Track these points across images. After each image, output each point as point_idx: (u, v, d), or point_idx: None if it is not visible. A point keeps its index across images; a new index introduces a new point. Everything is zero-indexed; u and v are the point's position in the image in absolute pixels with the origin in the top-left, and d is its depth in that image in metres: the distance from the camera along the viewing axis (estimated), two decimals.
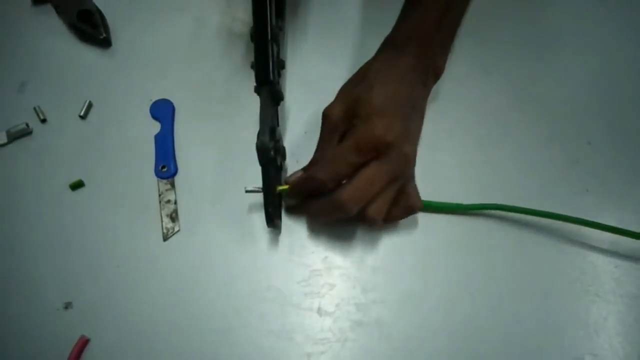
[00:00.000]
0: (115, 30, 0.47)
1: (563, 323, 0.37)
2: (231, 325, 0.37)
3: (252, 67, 0.38)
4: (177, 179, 0.41)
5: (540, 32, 0.48)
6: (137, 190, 0.41)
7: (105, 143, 0.43)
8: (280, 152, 0.39)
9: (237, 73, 0.45)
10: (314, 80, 0.44)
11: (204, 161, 0.42)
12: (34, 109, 0.43)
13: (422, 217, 0.40)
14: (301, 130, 0.43)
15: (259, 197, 0.38)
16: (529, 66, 0.46)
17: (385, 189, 0.35)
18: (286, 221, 0.40)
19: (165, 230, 0.39)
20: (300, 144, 0.42)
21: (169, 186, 0.41)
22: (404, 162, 0.35)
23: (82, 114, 0.43)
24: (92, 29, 0.46)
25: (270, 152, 0.34)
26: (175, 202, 0.40)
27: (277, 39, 0.39)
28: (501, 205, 0.39)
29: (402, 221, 0.38)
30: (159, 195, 0.41)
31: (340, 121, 0.36)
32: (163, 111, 0.44)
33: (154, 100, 0.44)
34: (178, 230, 0.40)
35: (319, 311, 0.37)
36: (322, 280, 0.38)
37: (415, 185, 0.37)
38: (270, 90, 0.37)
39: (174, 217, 0.40)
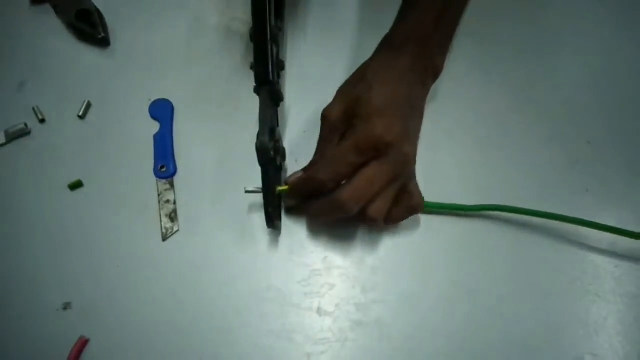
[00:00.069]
0: (114, 29, 0.47)
1: (563, 323, 0.37)
2: (231, 325, 0.37)
3: (251, 67, 0.38)
4: (176, 179, 0.41)
5: (540, 32, 0.48)
6: (136, 190, 0.41)
7: (104, 143, 0.43)
8: (280, 152, 0.39)
9: (237, 73, 0.45)
10: (314, 80, 0.44)
11: (204, 161, 0.42)
12: (33, 109, 0.43)
13: (422, 217, 0.40)
14: (300, 130, 0.43)
15: (259, 198, 0.37)
16: (529, 66, 0.46)
17: (385, 189, 0.35)
18: (286, 221, 0.40)
19: (164, 231, 0.39)
20: (299, 144, 0.42)
21: (168, 186, 0.41)
22: (404, 162, 0.35)
23: (81, 113, 0.43)
24: (90, 29, 0.45)
25: (269, 153, 0.34)
26: (175, 202, 0.40)
27: (277, 39, 0.39)
28: (501, 206, 0.39)
29: (403, 221, 0.38)
30: (158, 195, 0.41)
31: (340, 121, 0.36)
32: (162, 111, 0.44)
33: (153, 100, 0.44)
34: (177, 231, 0.40)
35: (319, 311, 0.37)
36: (322, 280, 0.38)
37: (417, 184, 0.37)
38: (269, 90, 0.37)
39: (173, 217, 0.40)
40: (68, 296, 0.37)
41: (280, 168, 0.39)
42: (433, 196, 0.39)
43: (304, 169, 0.38)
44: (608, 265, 0.39)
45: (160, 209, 0.40)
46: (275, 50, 0.39)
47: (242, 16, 0.48)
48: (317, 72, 0.45)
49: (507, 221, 0.40)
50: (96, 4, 0.46)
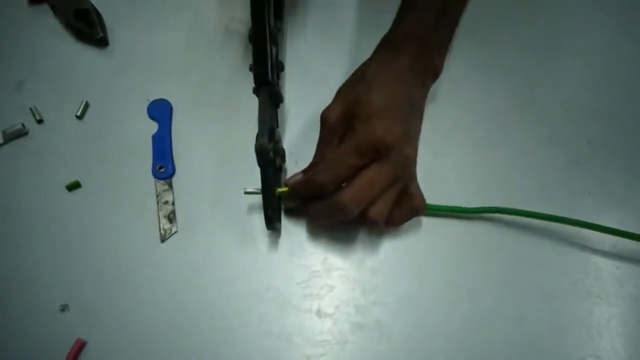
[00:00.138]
0: (112, 29, 0.46)
1: (565, 325, 0.37)
2: (230, 326, 0.37)
3: (250, 69, 0.38)
4: (175, 180, 0.41)
5: (540, 32, 0.48)
6: (134, 191, 0.41)
7: (102, 143, 0.42)
8: (280, 153, 0.39)
9: (237, 73, 0.45)
10: (313, 81, 0.44)
11: (203, 162, 0.42)
12: (30, 109, 0.43)
13: (422, 219, 0.40)
14: (300, 131, 0.43)
15: (259, 199, 0.37)
16: (528, 67, 0.46)
17: (386, 191, 0.34)
18: (286, 222, 0.40)
19: (162, 232, 0.39)
20: (299, 145, 0.42)
21: (166, 187, 0.41)
22: (404, 164, 0.35)
23: (79, 114, 0.43)
24: (89, 29, 0.45)
25: (269, 154, 0.34)
26: (173, 203, 0.40)
27: (276, 39, 0.39)
28: (503, 208, 0.39)
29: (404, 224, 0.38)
30: (157, 196, 0.40)
31: (339, 123, 0.36)
32: (161, 111, 0.43)
33: (151, 100, 0.44)
34: (176, 232, 0.39)
35: (319, 313, 0.37)
36: (321, 282, 0.38)
37: (418, 185, 0.37)
38: (269, 91, 0.37)
39: (171, 218, 0.40)
40: (66, 298, 0.37)
41: (279, 169, 0.39)
42: (432, 198, 0.39)
43: (304, 171, 0.38)
44: (610, 267, 0.39)
45: (158, 210, 0.40)
46: (274, 50, 0.38)
47: (241, 16, 0.47)
48: (317, 72, 0.45)
49: (507, 223, 0.40)
50: (94, 3, 0.46)
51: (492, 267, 0.39)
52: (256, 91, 0.38)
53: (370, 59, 0.38)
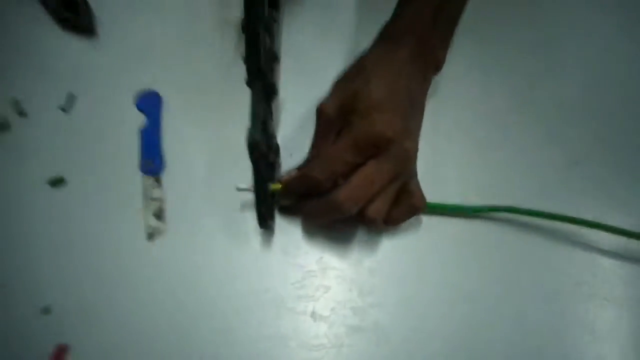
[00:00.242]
0: (101, 19, 0.45)
1: (570, 327, 0.37)
2: (221, 329, 0.36)
3: (243, 60, 0.37)
4: (165, 176, 0.40)
5: (540, 32, 0.48)
6: (121, 187, 0.39)
7: (88, 137, 0.41)
8: (274, 148, 0.38)
9: (230, 64, 0.44)
10: (310, 73, 0.43)
11: (193, 157, 0.41)
12: (13, 101, 0.42)
13: (422, 217, 0.39)
14: (296, 125, 0.42)
15: (252, 196, 0.36)
16: (529, 66, 0.46)
17: (385, 188, 0.34)
18: (279, 220, 0.39)
19: (150, 230, 0.38)
20: (294, 138, 0.41)
21: (155, 183, 0.39)
22: (404, 159, 0.34)
23: (64, 106, 0.42)
24: (76, 18, 0.44)
25: (261, 148, 0.33)
26: (162, 200, 0.39)
27: (271, 29, 0.38)
28: (510, 207, 0.38)
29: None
30: (145, 192, 0.39)
31: (336, 117, 0.35)
32: (150, 103, 0.42)
33: (140, 92, 0.42)
34: (164, 230, 0.38)
35: (313, 315, 0.36)
36: (316, 282, 0.37)
37: (418, 182, 0.36)
38: (262, 83, 0.36)
39: (160, 215, 0.38)
40: (48, 299, 0.36)
41: (274, 165, 0.38)
42: (432, 197, 0.38)
43: (299, 167, 0.37)
44: (617, 268, 0.39)
45: (146, 206, 0.38)
46: (268, 40, 0.37)
47: (235, 5, 0.46)
48: (314, 64, 0.44)
49: (508, 222, 0.40)
50: None
51: (492, 266, 0.38)
52: (249, 83, 0.37)
53: (368, 51, 0.37)
